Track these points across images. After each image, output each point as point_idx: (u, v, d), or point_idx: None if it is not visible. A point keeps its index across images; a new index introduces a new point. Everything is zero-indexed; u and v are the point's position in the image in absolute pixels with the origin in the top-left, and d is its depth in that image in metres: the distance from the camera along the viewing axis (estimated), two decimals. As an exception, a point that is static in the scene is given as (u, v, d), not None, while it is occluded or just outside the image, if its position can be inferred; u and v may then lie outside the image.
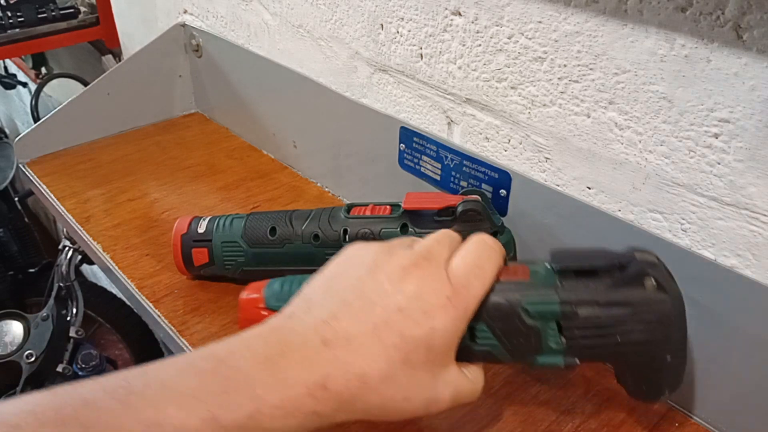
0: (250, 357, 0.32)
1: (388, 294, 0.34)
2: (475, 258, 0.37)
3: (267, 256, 0.53)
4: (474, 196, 0.49)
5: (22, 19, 1.11)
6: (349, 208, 0.52)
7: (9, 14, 1.10)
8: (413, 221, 0.49)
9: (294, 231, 0.51)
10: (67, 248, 1.06)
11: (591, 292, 0.37)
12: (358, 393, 0.32)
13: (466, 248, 0.38)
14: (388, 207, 0.51)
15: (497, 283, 0.38)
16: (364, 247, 0.38)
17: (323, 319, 0.33)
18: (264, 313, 0.43)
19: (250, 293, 0.44)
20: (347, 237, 0.50)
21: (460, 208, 0.47)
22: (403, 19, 0.56)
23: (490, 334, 0.38)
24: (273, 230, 0.52)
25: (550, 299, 0.37)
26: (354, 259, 0.37)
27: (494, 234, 0.47)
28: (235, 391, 0.30)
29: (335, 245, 0.50)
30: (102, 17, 1.16)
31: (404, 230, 0.49)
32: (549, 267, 0.39)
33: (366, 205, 0.52)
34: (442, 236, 0.38)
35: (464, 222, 0.47)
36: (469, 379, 0.37)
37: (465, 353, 0.38)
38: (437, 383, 0.35)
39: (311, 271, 0.38)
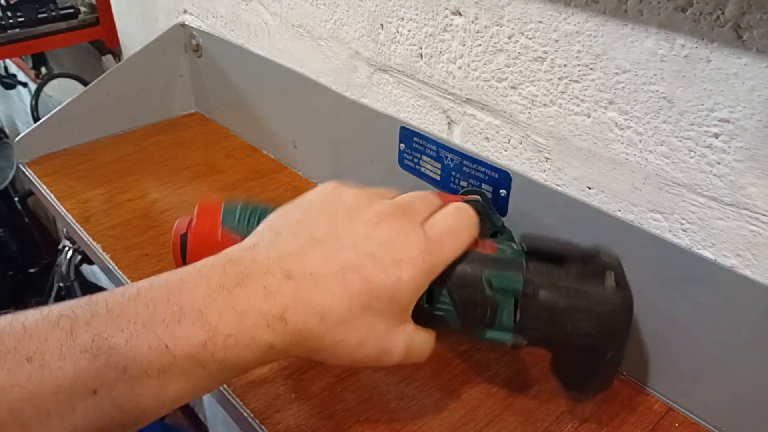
0: (204, 286, 0.31)
1: (360, 238, 0.34)
2: (452, 222, 0.37)
3: None
4: (474, 195, 0.48)
5: (22, 19, 1.11)
6: None
7: (9, 14, 1.10)
8: None
9: None
10: (67, 248, 1.06)
11: (554, 277, 0.38)
12: (315, 330, 0.32)
13: (445, 211, 0.38)
14: None
15: (466, 252, 0.38)
16: (344, 188, 0.37)
17: (290, 253, 0.33)
18: (218, 230, 0.41)
19: (208, 204, 0.42)
20: None
21: None
22: (403, 19, 0.56)
23: (449, 300, 0.38)
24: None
25: (515, 276, 0.38)
26: (331, 198, 0.37)
27: (494, 234, 0.47)
28: (186, 321, 0.29)
29: None
30: (102, 17, 1.16)
31: None
32: (517, 247, 0.40)
33: None
34: (424, 195, 0.39)
35: None
36: (423, 338, 0.37)
37: (419, 316, 0.37)
38: (393, 335, 0.35)
39: None
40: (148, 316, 0.29)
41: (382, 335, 0.34)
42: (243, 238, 0.36)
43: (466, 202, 0.46)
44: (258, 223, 0.38)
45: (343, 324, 0.32)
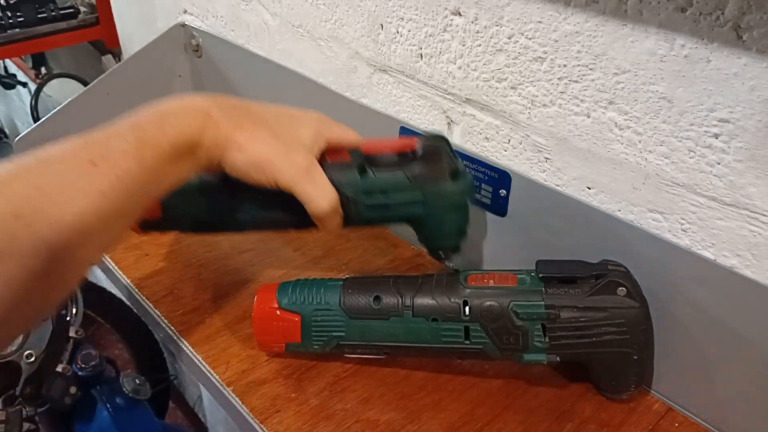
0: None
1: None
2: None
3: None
4: (435, 137, 0.47)
5: (22, 19, 1.11)
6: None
7: (9, 14, 1.10)
8: (372, 163, 0.46)
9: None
10: (67, 248, 1.06)
11: (571, 297, 0.43)
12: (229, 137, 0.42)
13: None
14: (346, 153, 0.47)
15: (489, 288, 0.44)
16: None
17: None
18: (278, 312, 0.47)
19: (264, 293, 0.48)
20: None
21: (420, 147, 0.45)
22: (403, 19, 0.56)
23: (483, 333, 0.44)
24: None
25: (537, 303, 0.43)
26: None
27: (455, 174, 0.45)
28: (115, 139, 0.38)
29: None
30: (102, 17, 1.16)
31: (363, 173, 0.46)
32: (534, 275, 0.44)
33: (325, 153, 0.48)
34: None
35: (424, 161, 0.45)
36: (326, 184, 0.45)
37: (458, 352, 0.45)
38: (297, 153, 0.44)
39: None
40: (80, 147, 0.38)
41: (287, 150, 0.44)
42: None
43: (427, 141, 0.46)
44: (309, 295, 0.47)
45: (251, 140, 0.44)
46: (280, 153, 0.43)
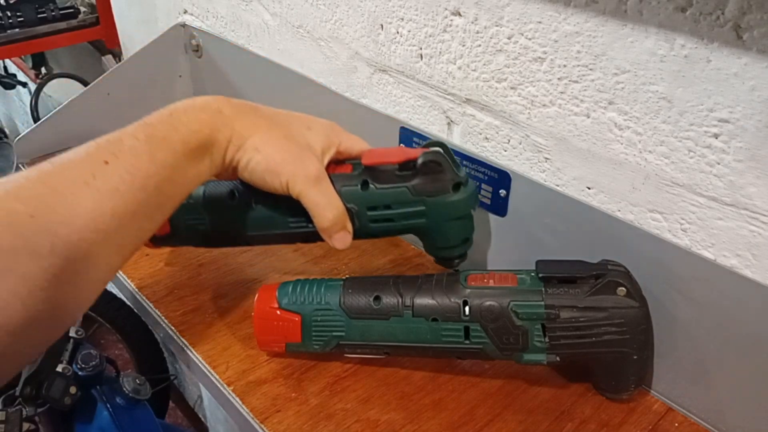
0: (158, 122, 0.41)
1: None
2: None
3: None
4: (436, 148, 0.47)
5: (22, 19, 1.11)
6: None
7: (9, 14, 1.10)
8: (373, 177, 0.46)
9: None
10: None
11: (571, 297, 0.43)
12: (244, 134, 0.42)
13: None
14: (348, 165, 0.48)
15: (489, 288, 0.44)
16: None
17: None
18: (278, 312, 0.47)
19: (264, 293, 0.48)
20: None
21: (420, 161, 0.45)
22: (403, 19, 0.56)
23: (483, 333, 0.44)
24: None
25: (537, 303, 0.43)
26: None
27: (457, 186, 0.45)
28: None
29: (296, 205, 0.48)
30: (102, 17, 1.16)
31: (365, 187, 0.46)
32: (534, 275, 0.44)
33: (328, 165, 0.48)
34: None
35: (425, 174, 0.45)
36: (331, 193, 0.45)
37: (458, 352, 0.45)
38: (309, 158, 0.44)
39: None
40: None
41: (298, 154, 0.45)
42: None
43: (426, 153, 0.45)
44: (309, 295, 0.47)
45: (268, 142, 0.44)
46: (294, 157, 0.43)
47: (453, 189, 0.45)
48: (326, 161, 0.46)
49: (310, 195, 0.43)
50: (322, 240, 0.47)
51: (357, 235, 0.47)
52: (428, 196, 0.45)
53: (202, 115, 0.41)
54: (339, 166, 0.48)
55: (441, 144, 0.47)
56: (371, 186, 0.46)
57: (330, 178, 0.46)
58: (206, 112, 0.41)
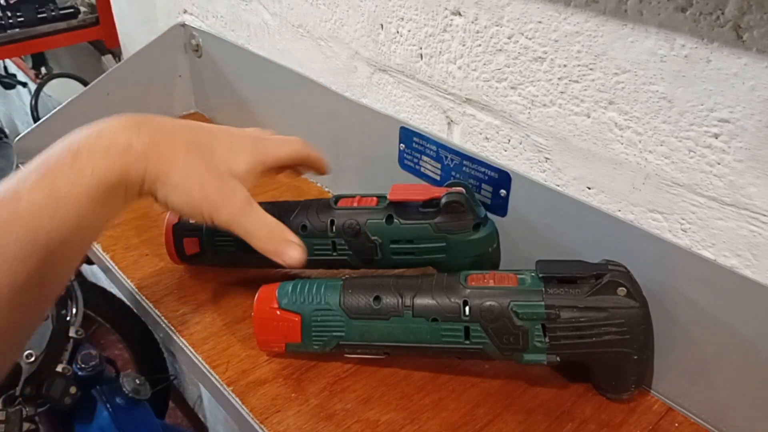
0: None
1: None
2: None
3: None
4: (458, 188, 0.49)
5: (22, 19, 1.11)
6: (337, 199, 0.52)
7: (9, 14, 1.10)
8: (398, 212, 0.49)
9: (283, 221, 0.51)
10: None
11: (571, 297, 0.43)
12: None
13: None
14: (374, 198, 0.51)
15: (489, 288, 0.44)
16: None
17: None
18: (278, 312, 0.47)
19: (264, 293, 0.48)
20: (334, 228, 0.50)
21: (444, 200, 0.47)
22: (403, 19, 0.56)
23: (483, 333, 0.44)
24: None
25: (537, 303, 0.43)
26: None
27: (477, 226, 0.47)
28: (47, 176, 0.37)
29: (322, 235, 0.50)
30: (102, 17, 1.16)
31: (389, 221, 0.49)
32: (534, 275, 0.44)
33: (354, 196, 0.52)
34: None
35: (448, 213, 0.47)
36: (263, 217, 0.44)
37: (458, 352, 0.45)
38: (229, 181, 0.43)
39: None
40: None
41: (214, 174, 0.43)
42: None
43: (449, 193, 0.47)
44: (309, 295, 0.47)
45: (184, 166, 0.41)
46: (215, 190, 0.41)
47: (473, 228, 0.47)
48: (252, 181, 0.44)
49: (240, 225, 0.42)
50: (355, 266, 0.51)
51: (379, 264, 0.51)
52: (450, 233, 0.47)
53: (110, 155, 0.38)
54: (365, 199, 0.51)
55: (463, 184, 0.50)
56: (396, 221, 0.49)
57: (356, 210, 0.49)
58: (114, 151, 0.38)
